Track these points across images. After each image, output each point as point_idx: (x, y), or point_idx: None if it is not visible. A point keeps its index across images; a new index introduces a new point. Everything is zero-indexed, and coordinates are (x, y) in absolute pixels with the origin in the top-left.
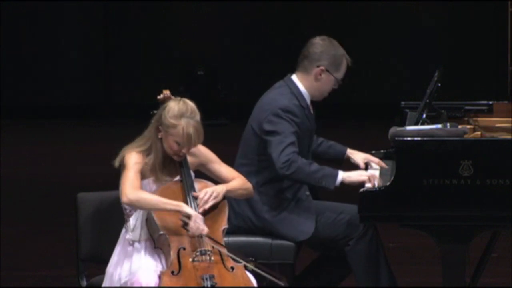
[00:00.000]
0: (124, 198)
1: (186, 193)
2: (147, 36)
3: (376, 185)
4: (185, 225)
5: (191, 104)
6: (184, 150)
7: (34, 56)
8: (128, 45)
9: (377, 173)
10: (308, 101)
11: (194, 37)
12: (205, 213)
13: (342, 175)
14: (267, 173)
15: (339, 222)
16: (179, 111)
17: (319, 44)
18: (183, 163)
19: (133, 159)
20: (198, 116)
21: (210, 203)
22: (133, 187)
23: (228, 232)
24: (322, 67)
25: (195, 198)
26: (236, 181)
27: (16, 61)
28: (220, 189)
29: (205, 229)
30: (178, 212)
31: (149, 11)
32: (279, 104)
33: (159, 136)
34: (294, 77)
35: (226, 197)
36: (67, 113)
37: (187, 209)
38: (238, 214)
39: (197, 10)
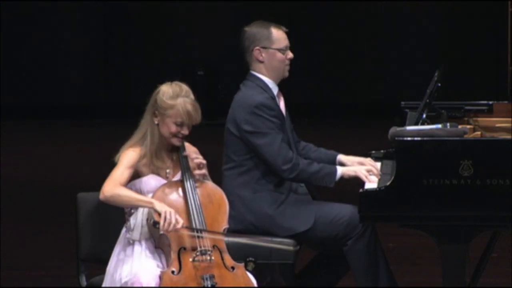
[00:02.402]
0: (101, 195)
1: (186, 187)
2: (147, 36)
3: (377, 174)
4: (155, 223)
5: (183, 85)
6: (183, 131)
7: (34, 56)
8: (128, 45)
9: (378, 164)
10: (275, 92)
11: (194, 37)
12: (205, 214)
13: (342, 170)
14: (259, 170)
15: (338, 222)
16: (174, 92)
17: (245, 33)
18: (180, 153)
19: (127, 156)
20: (192, 95)
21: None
22: (113, 184)
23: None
24: (257, 48)
25: (191, 180)
26: None
27: (16, 61)
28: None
29: (180, 221)
30: (151, 209)
31: (149, 11)
32: (253, 102)
33: (156, 122)
34: (253, 72)
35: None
36: (66, 113)
37: (158, 206)
38: (235, 217)
39: (197, 10)
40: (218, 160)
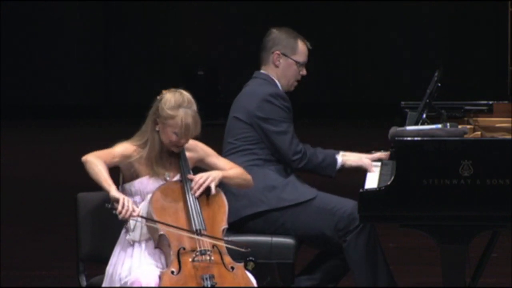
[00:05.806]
0: (83, 157)
1: (185, 188)
2: (147, 36)
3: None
4: (112, 209)
5: (187, 94)
6: (182, 141)
7: (34, 56)
8: (128, 45)
9: (377, 165)
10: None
11: (194, 37)
12: (204, 214)
13: (342, 159)
14: (263, 154)
15: (339, 211)
16: (176, 102)
17: (272, 33)
18: (181, 157)
19: (123, 147)
20: (194, 106)
21: (205, 185)
22: (99, 156)
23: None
24: (277, 52)
25: (191, 181)
26: (234, 170)
27: (16, 61)
28: (216, 174)
29: (136, 210)
30: (108, 194)
31: (149, 11)
32: (266, 91)
33: (156, 129)
34: (262, 71)
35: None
36: (67, 113)
37: (115, 193)
38: (236, 194)
39: (197, 10)
40: None
